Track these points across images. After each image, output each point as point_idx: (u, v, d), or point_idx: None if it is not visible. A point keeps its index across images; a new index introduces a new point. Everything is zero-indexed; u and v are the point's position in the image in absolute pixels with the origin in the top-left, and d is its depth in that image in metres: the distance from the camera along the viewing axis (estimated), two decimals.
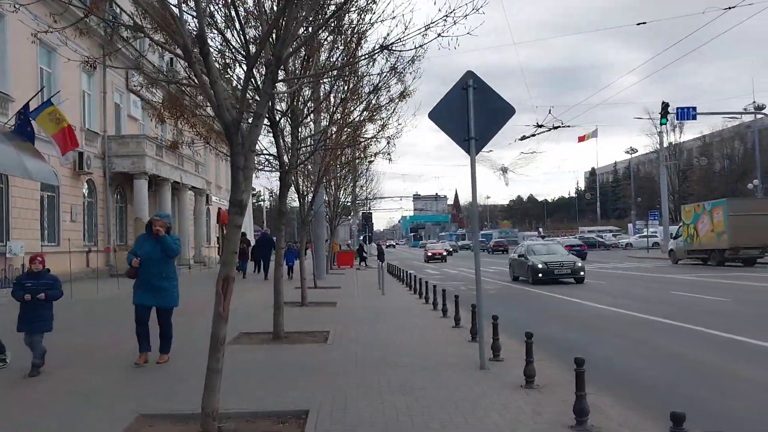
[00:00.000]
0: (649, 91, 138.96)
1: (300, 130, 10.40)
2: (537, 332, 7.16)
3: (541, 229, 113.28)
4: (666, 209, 51.60)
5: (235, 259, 5.17)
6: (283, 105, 9.84)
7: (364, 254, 44.04)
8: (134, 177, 27.58)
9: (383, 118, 10.68)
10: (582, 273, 22.17)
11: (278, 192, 9.88)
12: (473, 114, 7.59)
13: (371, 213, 58.98)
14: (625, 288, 19.93)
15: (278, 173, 9.85)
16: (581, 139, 78.86)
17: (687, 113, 34.85)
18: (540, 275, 22.11)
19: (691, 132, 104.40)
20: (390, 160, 11.86)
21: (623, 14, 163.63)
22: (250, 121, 5.49)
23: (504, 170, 60.96)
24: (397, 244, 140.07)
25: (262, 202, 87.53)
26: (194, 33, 5.58)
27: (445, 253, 52.93)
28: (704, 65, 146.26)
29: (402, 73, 9.78)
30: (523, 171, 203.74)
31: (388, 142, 11.05)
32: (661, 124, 35.90)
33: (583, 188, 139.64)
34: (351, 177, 30.72)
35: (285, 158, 9.80)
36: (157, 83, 9.57)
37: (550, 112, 24.62)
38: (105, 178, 26.97)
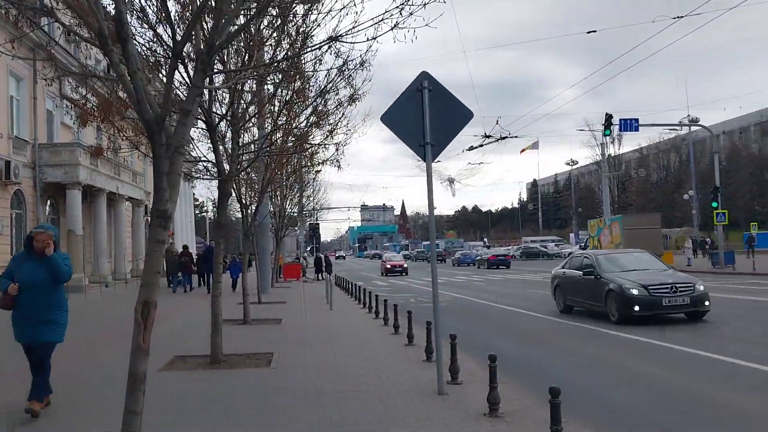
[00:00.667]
0: (588, 105, 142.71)
1: (241, 135, 9.64)
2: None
3: (485, 239, 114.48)
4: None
5: (158, 279, 4.43)
6: (223, 108, 9.06)
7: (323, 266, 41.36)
8: (67, 187, 26.05)
9: (331, 124, 9.98)
10: (707, 303, 13.10)
11: (217, 202, 9.09)
12: (429, 118, 7.01)
13: (318, 224, 58.16)
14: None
15: (217, 182, 9.06)
16: (522, 151, 79.97)
17: (630, 125, 35.34)
18: (636, 308, 12.74)
19: (629, 144, 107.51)
20: (339, 167, 11.20)
21: (565, 29, 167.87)
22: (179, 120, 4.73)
23: (451, 181, 61.05)
24: (346, 255, 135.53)
25: (204, 213, 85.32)
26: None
27: (405, 265, 44.79)
28: (640, 80, 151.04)
29: (351, 75, 9.17)
30: (469, 182, 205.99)
31: (337, 149, 10.35)
32: (604, 135, 36.38)
33: (525, 199, 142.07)
34: (297, 187, 29.86)
35: (225, 165, 9.02)
36: (80, 80, 8.66)
37: (497, 123, 24.47)
38: (35, 189, 25.35)
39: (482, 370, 8.23)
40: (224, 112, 8.86)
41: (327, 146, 10.91)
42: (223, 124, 9.40)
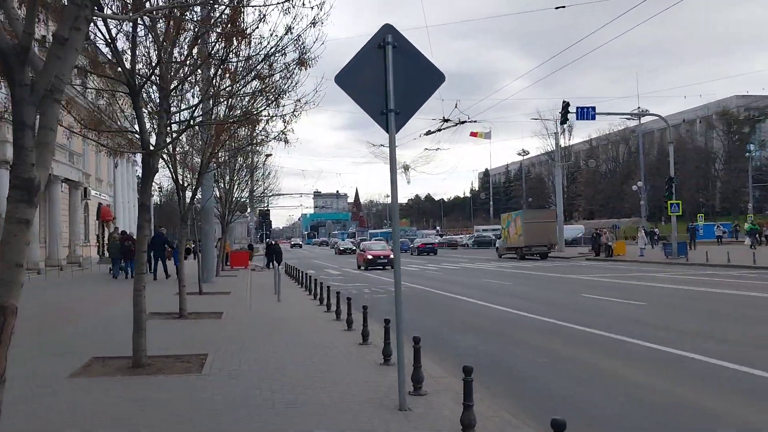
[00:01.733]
0: (539, 96, 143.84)
1: (172, 101, 8.29)
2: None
3: (438, 228, 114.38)
4: (561, 208, 52.38)
5: (17, 276, 3.18)
6: (149, 68, 7.69)
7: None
8: None
9: (276, 89, 8.61)
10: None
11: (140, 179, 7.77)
12: (393, 80, 5.87)
13: (269, 210, 56.41)
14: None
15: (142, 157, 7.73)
16: (474, 134, 79.49)
17: (586, 113, 34.91)
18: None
19: (579, 136, 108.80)
20: (286, 142, 9.85)
21: (517, 21, 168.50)
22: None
23: (406, 168, 59.99)
24: (302, 243, 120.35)
25: (152, 196, 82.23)
26: None
27: (392, 257, 32.58)
28: (588, 72, 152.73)
29: (300, 35, 7.91)
30: (424, 169, 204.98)
31: (285, 122, 9.02)
32: (561, 123, 35.91)
33: (477, 188, 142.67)
34: (246, 170, 28.31)
35: (151, 137, 7.71)
36: None
37: (456, 107, 23.35)
38: None
39: (448, 375, 7.22)
40: (149, 72, 7.51)
41: (273, 119, 9.62)
42: (151, 88, 8.06)
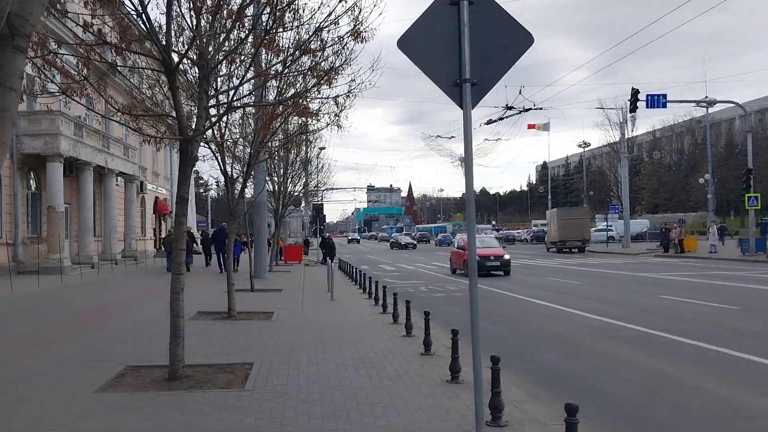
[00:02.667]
0: (596, 87, 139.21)
1: (212, 82, 7.37)
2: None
3: (494, 222, 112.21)
4: (627, 202, 50.16)
5: None
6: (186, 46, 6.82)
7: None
8: (47, 159, 23.89)
9: (327, 67, 7.56)
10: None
11: (179, 170, 6.88)
12: (468, 44, 4.77)
13: (322, 204, 55.91)
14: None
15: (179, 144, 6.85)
16: (531, 126, 77.29)
17: (657, 101, 32.85)
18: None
19: (642, 127, 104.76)
20: (339, 126, 8.82)
21: (572, 13, 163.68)
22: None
23: (462, 160, 58.18)
24: (359, 238, 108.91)
25: (208, 191, 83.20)
26: None
27: (506, 257, 24.67)
28: (649, 63, 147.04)
29: (355, 4, 6.88)
30: (481, 162, 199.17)
31: (337, 104, 7.96)
32: (630, 111, 33.92)
33: (534, 182, 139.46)
34: (299, 163, 27.59)
35: (190, 122, 6.83)
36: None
37: (520, 93, 21.87)
38: (12, 161, 23.21)
39: (531, 399, 6.10)
40: (185, 49, 6.65)
41: (326, 101, 8.59)
42: (191, 69, 7.20)
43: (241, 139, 12.02)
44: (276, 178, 26.23)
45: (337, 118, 7.95)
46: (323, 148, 36.13)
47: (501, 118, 23.65)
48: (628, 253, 41.21)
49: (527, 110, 23.41)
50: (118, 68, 6.83)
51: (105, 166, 28.66)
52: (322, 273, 22.33)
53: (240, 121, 11.63)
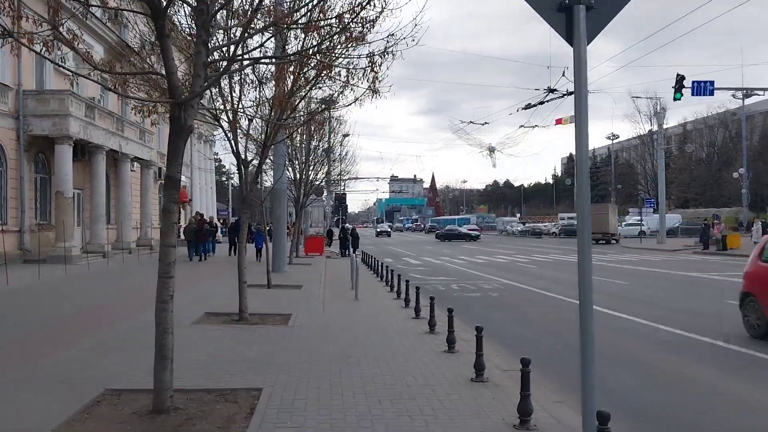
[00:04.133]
0: (623, 80, 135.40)
1: (213, 33, 5.79)
2: None
3: (519, 215, 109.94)
4: (663, 196, 47.96)
5: None
6: None
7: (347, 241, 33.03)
8: (56, 142, 22.62)
9: (359, 19, 5.90)
10: None
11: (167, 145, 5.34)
12: None
13: (345, 194, 54.39)
14: None
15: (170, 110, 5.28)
16: (558, 121, 75.31)
17: (703, 88, 30.72)
18: None
19: (672, 119, 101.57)
20: (375, 92, 7.17)
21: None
22: None
23: (491, 150, 56.19)
24: (390, 231, 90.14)
25: (230, 179, 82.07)
26: None
27: None
28: (679, 56, 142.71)
29: None
30: (512, 151, 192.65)
31: (373, 64, 6.27)
32: (674, 99, 31.65)
33: (560, 174, 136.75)
34: (321, 149, 26.01)
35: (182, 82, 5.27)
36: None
37: (563, 75, 19.86)
38: (18, 142, 21.97)
39: None
40: None
41: (357, 61, 6.93)
42: (185, 14, 5.63)
43: (256, 116, 10.42)
44: (297, 165, 24.71)
45: (374, 76, 6.26)
46: (347, 135, 34.60)
47: (541, 102, 21.82)
48: (664, 250, 39.12)
49: (570, 93, 21.50)
50: (91, 8, 5.28)
51: (119, 151, 27.36)
52: (345, 266, 20.82)
53: (254, 89, 10.02)
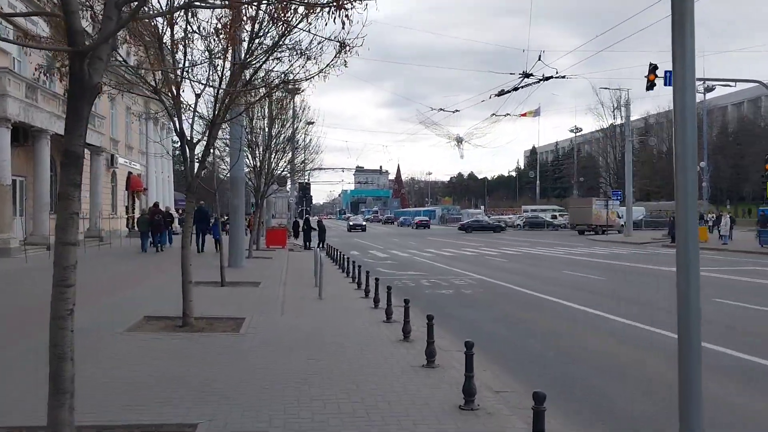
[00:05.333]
0: (585, 73, 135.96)
1: None
2: None
3: (483, 207, 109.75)
4: (630, 188, 47.66)
5: None
6: None
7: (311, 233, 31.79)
8: None
9: None
10: None
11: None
12: None
13: (309, 184, 52.92)
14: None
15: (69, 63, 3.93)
16: (524, 114, 75.27)
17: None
18: None
19: (635, 113, 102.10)
20: (344, 46, 5.91)
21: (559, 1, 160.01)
22: None
23: (459, 140, 55.19)
24: (365, 224, 73.31)
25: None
26: None
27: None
28: (634, 52, 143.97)
29: None
30: (481, 142, 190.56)
31: (343, 24, 5.01)
32: (647, 89, 30.93)
33: (523, 167, 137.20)
34: (283, 135, 24.52)
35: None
36: None
37: (540, 59, 18.79)
38: None
39: None
40: None
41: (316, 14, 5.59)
42: None
43: (198, 81, 8.92)
44: (258, 152, 23.23)
45: (343, 49, 4.97)
46: (311, 123, 33.12)
47: (516, 88, 20.71)
48: (632, 242, 38.77)
49: (547, 79, 20.46)
50: None
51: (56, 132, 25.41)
52: (308, 260, 19.51)
53: (201, 49, 8.59)
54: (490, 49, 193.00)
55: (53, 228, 18.13)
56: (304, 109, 27.86)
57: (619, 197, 51.61)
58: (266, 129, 23.21)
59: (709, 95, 58.95)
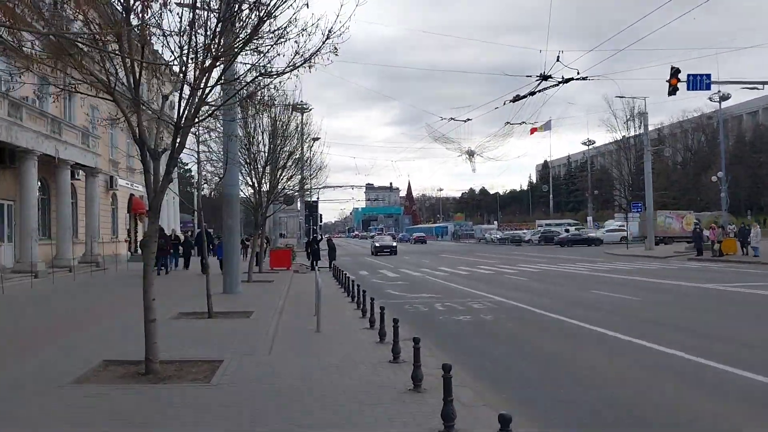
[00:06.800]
0: (593, 89, 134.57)
1: None
2: None
3: (497, 222, 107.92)
4: (651, 200, 45.87)
5: None
6: None
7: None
8: None
9: None
10: None
11: None
12: None
13: (316, 202, 51.44)
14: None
15: None
16: (533, 130, 73.85)
17: (700, 82, 28.45)
18: None
19: (649, 124, 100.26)
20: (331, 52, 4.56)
21: (564, 15, 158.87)
22: None
23: (471, 154, 53.62)
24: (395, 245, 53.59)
25: (195, 189, 78.19)
26: None
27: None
28: (646, 64, 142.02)
29: None
30: (493, 154, 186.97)
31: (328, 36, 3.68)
32: (669, 94, 29.29)
33: (535, 181, 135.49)
34: (284, 144, 22.97)
35: None
36: None
37: (558, 60, 17.23)
38: None
39: None
40: None
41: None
42: None
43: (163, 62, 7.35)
44: (256, 167, 21.77)
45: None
46: (317, 139, 31.74)
47: (533, 93, 19.10)
48: (655, 257, 36.84)
49: (567, 81, 18.87)
50: None
51: (55, 156, 24.10)
52: (312, 282, 17.88)
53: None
54: (499, 65, 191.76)
55: (45, 254, 16.44)
56: (308, 123, 26.48)
57: (639, 209, 49.86)
58: (266, 143, 21.79)
59: (724, 104, 57.14)
